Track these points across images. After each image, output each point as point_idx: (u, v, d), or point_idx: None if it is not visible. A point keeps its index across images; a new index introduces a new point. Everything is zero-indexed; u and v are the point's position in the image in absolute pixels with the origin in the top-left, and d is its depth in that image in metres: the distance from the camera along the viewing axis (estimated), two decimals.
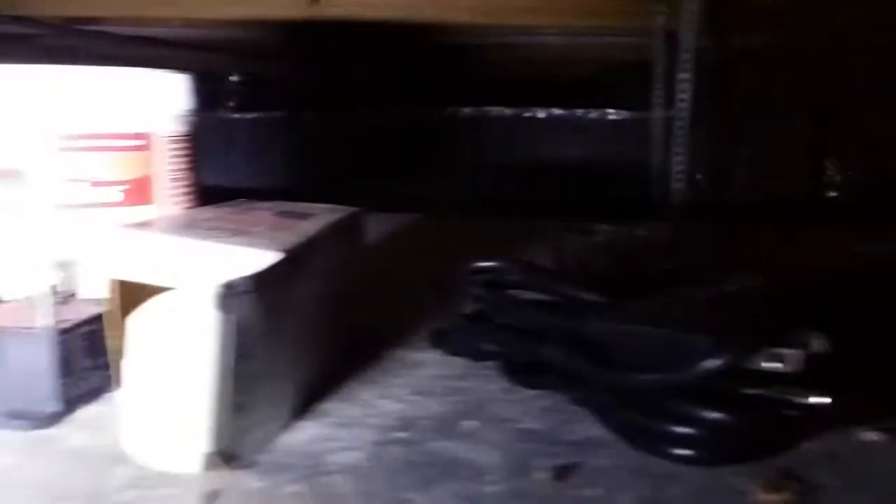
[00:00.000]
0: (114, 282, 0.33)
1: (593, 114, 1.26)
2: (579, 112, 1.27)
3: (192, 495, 0.27)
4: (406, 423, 0.33)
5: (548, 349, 0.35)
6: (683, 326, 0.31)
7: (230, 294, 0.28)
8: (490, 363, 0.39)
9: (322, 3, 1.34)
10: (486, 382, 0.38)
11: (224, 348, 0.28)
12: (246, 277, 0.29)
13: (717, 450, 0.30)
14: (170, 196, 0.42)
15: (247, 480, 0.29)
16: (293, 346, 0.34)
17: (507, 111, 1.30)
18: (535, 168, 1.24)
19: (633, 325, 0.33)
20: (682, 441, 0.30)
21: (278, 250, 0.32)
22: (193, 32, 1.54)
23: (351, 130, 1.32)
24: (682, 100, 0.96)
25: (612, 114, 1.25)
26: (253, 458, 0.30)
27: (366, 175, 1.23)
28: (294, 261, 0.33)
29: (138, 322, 0.28)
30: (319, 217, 0.40)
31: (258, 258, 0.31)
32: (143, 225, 0.35)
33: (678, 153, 0.97)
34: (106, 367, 0.36)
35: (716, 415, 0.29)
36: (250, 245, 0.32)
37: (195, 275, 0.31)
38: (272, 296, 0.30)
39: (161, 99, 0.41)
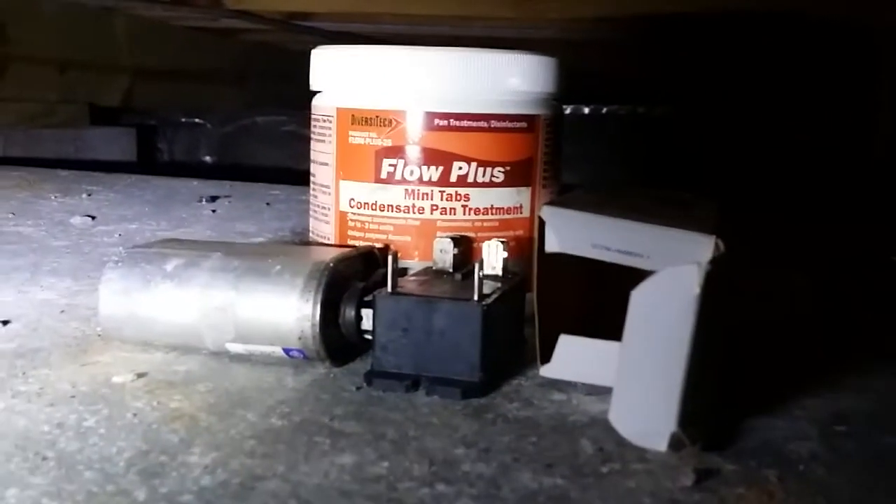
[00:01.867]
0: (539, 258, 0.34)
1: None
2: None
3: (671, 474, 0.27)
4: (840, 418, 0.32)
5: None
6: None
7: (710, 273, 0.28)
8: None
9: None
10: None
11: (698, 326, 0.28)
12: (716, 259, 0.29)
13: None
14: (543, 179, 0.42)
15: (718, 462, 0.28)
16: (718, 334, 0.33)
17: None
18: None
19: None
20: None
21: (713, 236, 0.31)
22: (404, 29, 1.60)
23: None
24: None
25: None
26: (712, 441, 0.29)
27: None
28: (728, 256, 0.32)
29: (634, 295, 0.29)
30: (702, 205, 0.39)
31: (702, 244, 0.31)
32: (561, 204, 0.36)
33: None
34: (519, 340, 0.37)
35: None
36: (691, 229, 0.32)
37: (647, 253, 0.31)
38: (720, 283, 0.30)
39: (541, 82, 0.41)
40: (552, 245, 0.33)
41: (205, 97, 1.78)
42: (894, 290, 0.36)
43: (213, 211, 0.71)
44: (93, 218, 0.63)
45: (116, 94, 1.58)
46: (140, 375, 0.34)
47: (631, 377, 0.29)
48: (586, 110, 1.47)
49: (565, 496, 0.26)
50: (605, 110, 1.45)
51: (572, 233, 0.33)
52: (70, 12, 1.40)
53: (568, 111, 1.47)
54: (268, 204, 0.75)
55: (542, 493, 0.26)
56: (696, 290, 0.27)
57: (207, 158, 1.62)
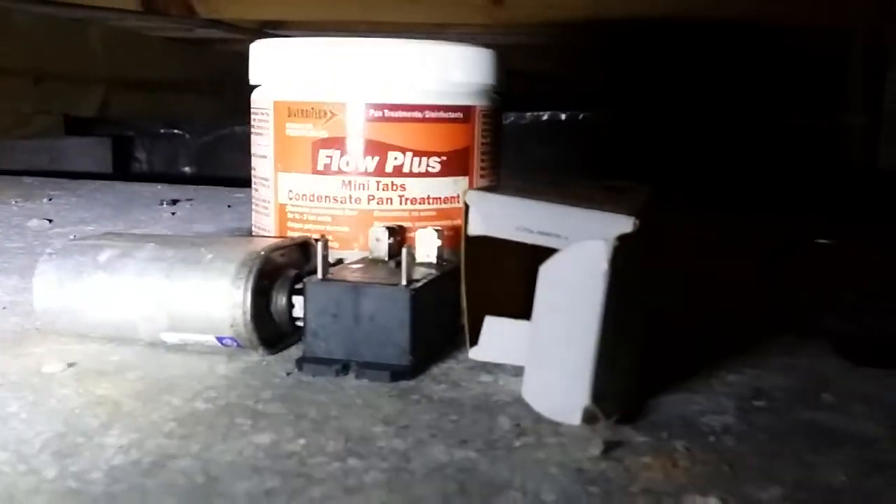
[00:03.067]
0: (467, 241, 0.34)
1: None
2: None
3: (582, 445, 0.28)
4: (760, 393, 0.33)
5: None
6: None
7: (618, 248, 0.28)
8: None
9: (506, 4, 1.37)
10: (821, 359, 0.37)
11: (608, 301, 0.28)
12: (626, 235, 0.29)
13: None
14: (480, 169, 0.43)
15: (630, 434, 0.29)
16: (635, 312, 0.34)
17: None
18: None
19: None
20: None
21: (632, 216, 0.32)
22: (379, 37, 1.60)
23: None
24: None
25: None
26: (626, 415, 0.30)
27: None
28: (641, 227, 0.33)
29: (542, 270, 0.29)
30: (636, 192, 0.40)
31: (620, 223, 0.31)
32: (488, 189, 0.36)
33: None
34: (453, 325, 0.38)
35: None
36: (612, 211, 0.32)
37: (566, 234, 0.31)
38: (629, 258, 0.31)
39: (477, 73, 0.42)
40: (476, 228, 0.33)
41: (182, 107, 1.78)
42: (822, 272, 0.37)
43: (173, 213, 0.71)
44: (50, 221, 0.63)
45: (92, 104, 1.58)
46: (71, 365, 0.34)
47: (542, 353, 0.29)
48: (563, 116, 1.48)
49: (474, 468, 0.26)
50: (581, 116, 1.46)
51: (496, 216, 0.33)
52: (44, 23, 1.40)
53: (545, 117, 1.49)
54: (229, 206, 0.76)
55: (451, 465, 0.26)
56: (605, 265, 0.28)
57: (186, 169, 1.62)
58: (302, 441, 0.28)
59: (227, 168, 1.54)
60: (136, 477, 0.25)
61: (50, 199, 0.74)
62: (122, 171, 1.54)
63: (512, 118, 1.47)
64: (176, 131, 1.67)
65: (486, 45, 0.42)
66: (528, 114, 1.48)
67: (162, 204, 0.73)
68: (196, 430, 0.29)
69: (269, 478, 0.25)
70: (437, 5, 1.33)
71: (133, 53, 1.65)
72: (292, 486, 0.25)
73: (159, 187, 0.83)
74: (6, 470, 0.25)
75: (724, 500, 0.24)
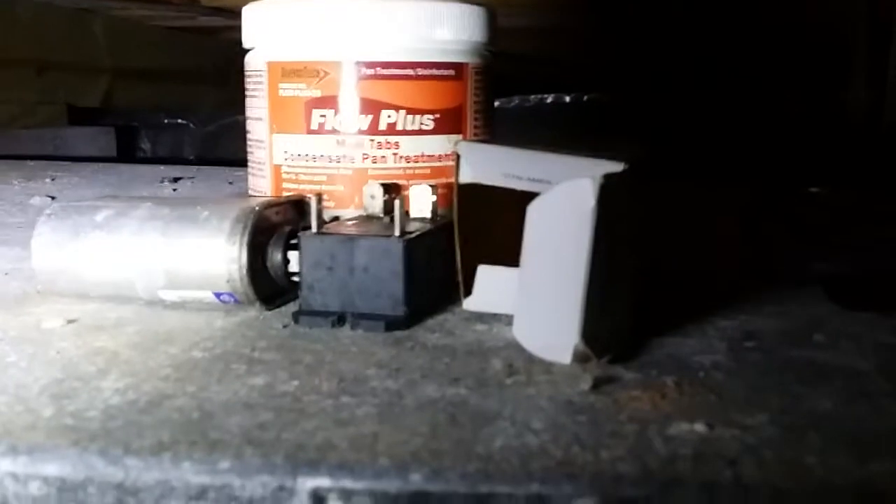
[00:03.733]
0: (459, 191, 0.34)
1: None
2: None
3: (572, 382, 0.28)
4: (751, 335, 0.33)
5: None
6: None
7: (605, 187, 0.29)
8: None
9: None
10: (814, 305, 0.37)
11: (596, 240, 0.29)
12: (614, 175, 0.30)
13: None
14: (474, 127, 0.43)
15: (621, 372, 0.29)
16: (628, 258, 0.34)
17: None
18: None
19: None
20: None
21: (621, 162, 0.32)
22: None
23: None
24: None
25: None
26: (618, 354, 0.30)
27: None
28: (631, 175, 0.33)
29: (530, 211, 0.29)
30: (621, 150, 0.40)
31: (610, 167, 0.31)
32: (479, 141, 0.37)
33: None
34: (449, 279, 0.38)
35: None
36: (601, 158, 0.32)
37: (556, 180, 0.31)
38: (619, 202, 0.31)
39: (468, 30, 0.42)
40: (466, 175, 0.34)
41: (186, 96, 1.78)
42: (814, 220, 0.37)
43: (175, 189, 0.72)
44: (52, 198, 0.64)
45: (96, 94, 1.58)
46: (70, 322, 0.35)
47: (532, 292, 0.30)
48: (567, 98, 1.48)
49: (465, 402, 0.26)
50: (585, 98, 1.46)
51: (485, 164, 0.34)
52: (46, 14, 1.41)
53: (550, 100, 1.49)
54: (230, 183, 0.76)
55: (442, 400, 0.27)
56: (592, 202, 0.28)
57: (192, 158, 1.63)
58: (296, 382, 0.28)
59: (233, 156, 1.54)
60: (132, 414, 0.25)
61: (53, 179, 0.75)
62: (128, 161, 1.54)
63: (517, 101, 1.47)
64: (180, 121, 1.67)
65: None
66: (533, 97, 1.48)
67: (163, 182, 0.74)
68: (192, 374, 0.29)
69: (263, 413, 0.26)
70: None
71: (137, 43, 1.65)
72: (285, 419, 0.25)
73: (162, 168, 0.84)
74: (4, 410, 0.26)
75: (711, 426, 0.24)
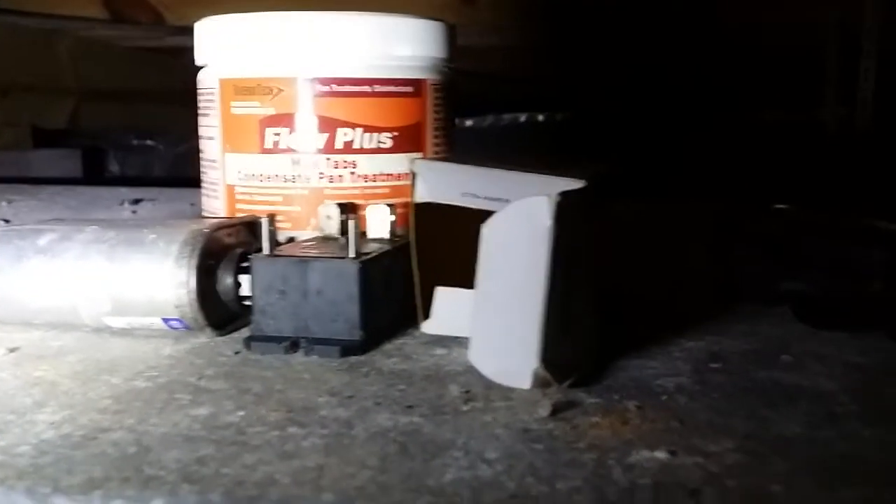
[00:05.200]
0: (416, 210, 0.33)
1: None
2: None
3: (531, 408, 0.27)
4: (717, 356, 0.32)
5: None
6: None
7: (562, 204, 0.28)
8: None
9: (478, 4, 1.36)
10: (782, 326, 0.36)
11: (554, 260, 0.28)
12: (570, 192, 0.29)
13: None
14: (434, 145, 0.42)
15: (581, 397, 0.28)
16: (587, 281, 0.33)
17: None
18: None
19: None
20: None
21: (580, 179, 0.31)
22: None
23: None
24: None
25: None
26: (579, 378, 0.29)
27: None
28: (589, 193, 0.32)
29: (484, 230, 0.28)
30: (583, 167, 0.39)
31: (567, 185, 0.31)
32: (435, 159, 0.36)
33: None
34: (408, 302, 0.37)
35: None
36: (559, 175, 0.32)
37: (513, 198, 0.30)
38: (576, 221, 0.30)
39: (426, 46, 0.41)
40: (422, 195, 0.33)
41: (155, 118, 1.76)
42: (781, 237, 0.36)
43: (134, 212, 0.70)
44: (7, 221, 0.62)
45: (62, 116, 1.56)
46: (12, 350, 0.33)
47: (488, 314, 0.28)
48: (540, 118, 1.48)
49: (418, 431, 0.25)
50: (559, 117, 1.46)
51: (442, 183, 0.33)
52: (10, 35, 1.39)
53: (523, 119, 1.49)
54: (192, 204, 0.74)
55: (394, 430, 0.25)
56: (549, 221, 0.27)
57: (154, 178, 1.60)
58: (241, 413, 0.27)
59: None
60: (65, 449, 0.24)
61: (9, 203, 0.73)
62: (95, 184, 1.52)
63: (490, 120, 1.46)
64: (149, 142, 1.65)
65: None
66: (506, 115, 1.48)
67: (122, 204, 0.72)
68: (132, 405, 0.28)
69: (203, 446, 0.24)
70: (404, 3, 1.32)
71: (104, 64, 1.63)
72: (226, 453, 0.24)
73: (123, 190, 0.82)
74: None
75: (673, 453, 0.23)
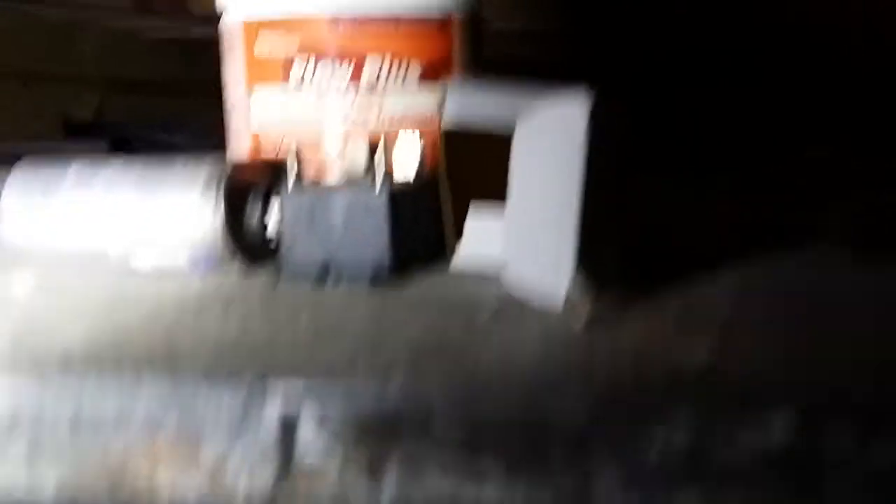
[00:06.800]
0: (446, 139, 0.33)
1: None
2: None
3: (563, 324, 0.26)
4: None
5: None
6: None
7: (597, 107, 0.26)
8: None
9: None
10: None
11: (590, 166, 0.26)
12: (606, 103, 0.28)
13: None
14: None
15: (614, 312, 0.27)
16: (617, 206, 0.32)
17: None
18: None
19: None
20: None
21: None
22: None
23: None
24: None
25: None
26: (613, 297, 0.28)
27: None
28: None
29: (517, 137, 0.27)
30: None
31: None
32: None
33: None
34: (437, 237, 0.36)
35: None
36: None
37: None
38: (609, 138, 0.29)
39: None
40: (452, 115, 0.32)
41: (181, 109, 1.77)
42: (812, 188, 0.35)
43: None
44: None
45: (87, 107, 1.57)
46: (36, 286, 0.33)
47: (521, 226, 0.28)
48: None
49: (449, 343, 0.24)
50: None
51: (473, 105, 0.32)
52: (32, 26, 1.40)
53: None
54: None
55: (426, 339, 0.25)
56: (584, 123, 0.26)
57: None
58: (271, 328, 0.26)
59: None
60: (94, 350, 0.24)
61: None
62: None
63: None
64: (175, 136, 1.66)
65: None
66: None
67: None
68: (159, 325, 0.27)
69: (232, 352, 0.24)
70: None
71: (128, 56, 1.64)
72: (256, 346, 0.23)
73: None
74: None
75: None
